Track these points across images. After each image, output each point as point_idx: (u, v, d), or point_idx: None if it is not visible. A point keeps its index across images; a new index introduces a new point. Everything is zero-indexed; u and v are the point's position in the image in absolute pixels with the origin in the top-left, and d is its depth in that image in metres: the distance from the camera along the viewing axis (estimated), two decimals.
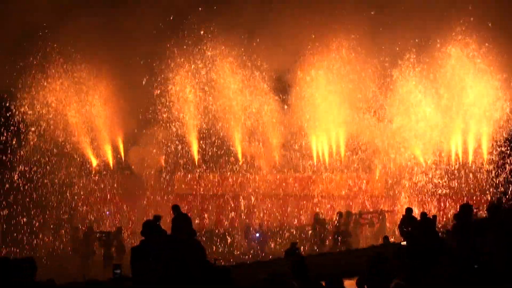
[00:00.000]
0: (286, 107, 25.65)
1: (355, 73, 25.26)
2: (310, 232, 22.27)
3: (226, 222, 25.38)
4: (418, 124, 25.70)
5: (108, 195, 25.21)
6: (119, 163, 25.77)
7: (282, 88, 25.69)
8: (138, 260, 7.28)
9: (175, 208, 12.77)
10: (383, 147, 26.00)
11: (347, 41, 24.87)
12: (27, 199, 23.07)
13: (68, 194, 24.39)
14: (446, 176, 25.59)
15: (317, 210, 23.69)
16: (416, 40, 25.17)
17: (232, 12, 24.13)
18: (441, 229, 14.68)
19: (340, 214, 21.80)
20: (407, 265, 6.66)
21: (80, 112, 24.49)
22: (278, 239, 23.05)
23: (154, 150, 25.59)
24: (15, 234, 22.09)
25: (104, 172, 25.42)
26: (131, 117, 24.87)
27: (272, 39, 24.25)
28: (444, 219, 21.37)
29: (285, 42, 24.44)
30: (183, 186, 26.36)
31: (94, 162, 24.99)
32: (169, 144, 25.42)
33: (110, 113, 24.95)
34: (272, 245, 22.20)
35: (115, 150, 25.50)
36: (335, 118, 25.50)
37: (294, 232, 23.74)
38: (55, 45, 23.34)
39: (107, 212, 25.00)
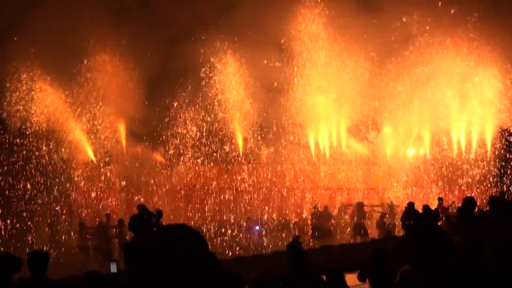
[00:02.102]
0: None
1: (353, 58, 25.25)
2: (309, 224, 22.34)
3: (225, 216, 25.36)
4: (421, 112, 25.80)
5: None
6: (120, 155, 25.59)
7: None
8: (132, 258, 6.99)
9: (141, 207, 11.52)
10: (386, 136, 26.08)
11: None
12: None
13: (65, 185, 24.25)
14: (450, 167, 25.67)
15: (316, 203, 23.65)
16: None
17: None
18: (444, 222, 14.74)
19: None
20: (409, 260, 6.68)
21: (79, 100, 24.31)
22: (278, 233, 23.05)
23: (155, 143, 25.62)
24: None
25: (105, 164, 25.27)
26: (133, 108, 24.82)
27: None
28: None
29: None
30: (182, 179, 26.26)
31: (91, 154, 24.83)
32: (169, 138, 25.41)
33: (112, 104, 24.85)
34: (272, 239, 22.20)
35: (117, 141, 25.38)
36: (335, 106, 25.48)
37: (296, 223, 23.80)
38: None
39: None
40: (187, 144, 25.46)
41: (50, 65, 22.95)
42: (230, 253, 18.56)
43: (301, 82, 25.31)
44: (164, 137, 25.31)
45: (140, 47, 23.78)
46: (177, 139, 25.33)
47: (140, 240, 7.21)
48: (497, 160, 25.67)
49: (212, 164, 25.93)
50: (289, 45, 25.16)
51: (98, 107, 24.63)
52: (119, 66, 24.65)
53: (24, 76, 23.10)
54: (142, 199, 22.39)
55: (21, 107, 23.25)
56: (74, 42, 23.14)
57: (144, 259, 6.69)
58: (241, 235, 22.64)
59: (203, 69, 24.91)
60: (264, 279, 5.59)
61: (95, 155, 24.80)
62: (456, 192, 24.84)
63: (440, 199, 20.42)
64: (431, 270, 6.41)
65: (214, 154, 25.68)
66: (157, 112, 24.92)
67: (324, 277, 6.78)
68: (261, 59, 24.65)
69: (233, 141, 25.64)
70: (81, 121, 24.37)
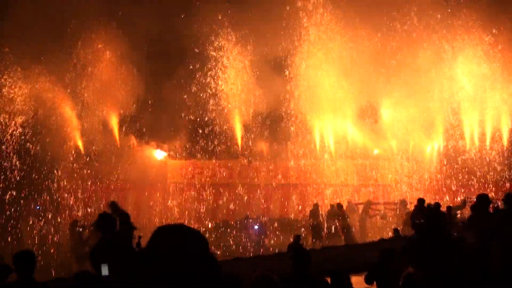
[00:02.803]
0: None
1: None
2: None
3: (223, 214, 25.32)
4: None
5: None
6: (113, 148, 25.41)
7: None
8: (111, 256, 6.96)
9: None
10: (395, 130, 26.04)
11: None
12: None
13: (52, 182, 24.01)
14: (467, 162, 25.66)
15: (316, 201, 23.53)
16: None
17: None
18: (459, 221, 14.83)
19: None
20: (413, 259, 6.76)
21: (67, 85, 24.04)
22: (278, 232, 23.01)
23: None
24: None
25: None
26: (129, 96, 24.72)
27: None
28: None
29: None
30: (177, 175, 26.21)
31: (81, 145, 24.59)
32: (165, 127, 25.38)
33: (104, 90, 24.72)
34: (272, 239, 22.21)
35: (110, 133, 25.24)
36: (339, 98, 25.41)
37: (298, 224, 23.78)
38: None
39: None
40: (183, 136, 25.48)
41: (39, 49, 22.82)
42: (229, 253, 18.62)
43: (306, 62, 25.31)
44: (161, 128, 25.31)
45: (133, 26, 23.52)
46: (174, 130, 25.34)
47: (109, 239, 7.33)
48: None
49: (208, 159, 25.90)
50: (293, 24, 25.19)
51: (88, 94, 24.46)
52: (111, 48, 24.50)
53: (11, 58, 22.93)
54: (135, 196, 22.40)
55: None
56: (62, 25, 23.06)
57: (122, 257, 6.75)
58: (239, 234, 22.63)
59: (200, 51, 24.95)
60: (265, 280, 5.65)
61: (84, 147, 24.54)
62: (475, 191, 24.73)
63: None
64: (434, 270, 6.49)
65: (212, 147, 25.66)
66: (152, 100, 24.90)
67: (328, 279, 6.84)
68: (264, 38, 24.65)
69: (233, 133, 25.61)
70: (70, 109, 24.15)
